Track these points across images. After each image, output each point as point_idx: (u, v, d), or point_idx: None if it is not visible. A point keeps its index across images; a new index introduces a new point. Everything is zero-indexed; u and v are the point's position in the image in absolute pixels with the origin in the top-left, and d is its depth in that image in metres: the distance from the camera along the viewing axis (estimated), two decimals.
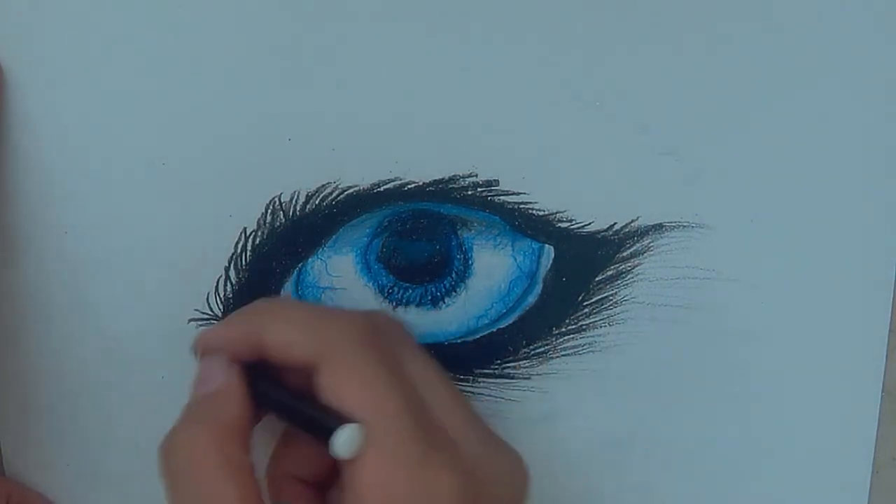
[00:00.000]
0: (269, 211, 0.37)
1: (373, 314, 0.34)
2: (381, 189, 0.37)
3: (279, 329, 0.33)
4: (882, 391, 0.39)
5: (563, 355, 0.39)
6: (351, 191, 0.37)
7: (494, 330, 0.39)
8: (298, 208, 0.37)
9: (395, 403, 0.31)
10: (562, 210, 0.37)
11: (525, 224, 0.38)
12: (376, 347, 0.32)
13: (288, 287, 0.38)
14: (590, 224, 0.37)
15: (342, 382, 0.31)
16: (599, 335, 0.38)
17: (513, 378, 0.39)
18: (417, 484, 0.30)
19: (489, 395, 0.39)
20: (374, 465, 0.30)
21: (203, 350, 0.34)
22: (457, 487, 0.31)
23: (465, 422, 0.33)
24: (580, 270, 0.38)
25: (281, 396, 0.33)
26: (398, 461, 0.30)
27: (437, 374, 0.34)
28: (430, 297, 0.38)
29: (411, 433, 0.31)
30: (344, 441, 0.31)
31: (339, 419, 0.31)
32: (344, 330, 0.32)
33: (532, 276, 0.38)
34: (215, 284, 0.38)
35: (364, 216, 0.37)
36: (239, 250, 0.38)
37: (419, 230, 0.38)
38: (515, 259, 0.38)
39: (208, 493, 0.31)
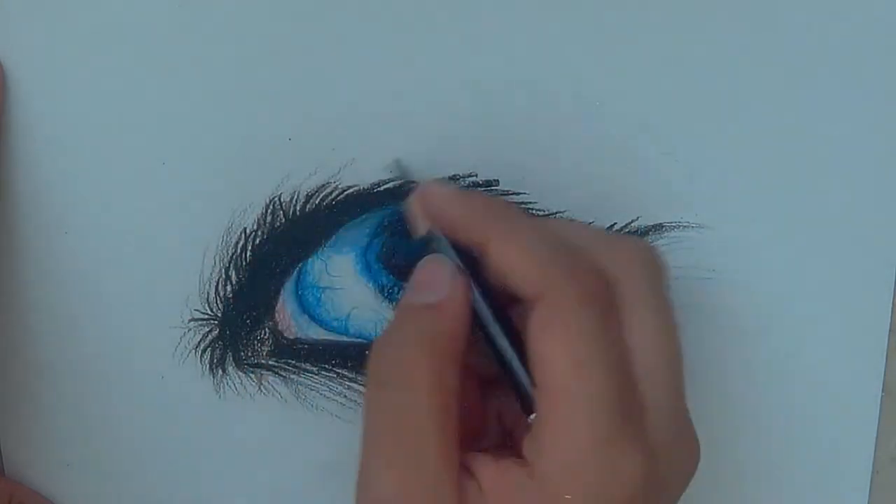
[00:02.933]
0: (269, 211, 0.37)
1: (599, 264, 0.31)
2: (381, 189, 0.37)
3: (509, 248, 0.30)
4: (882, 391, 0.39)
5: None
6: (351, 191, 0.37)
7: None
8: (298, 208, 0.37)
9: (602, 371, 0.29)
10: (562, 210, 0.37)
11: None
12: (601, 307, 0.30)
13: (288, 287, 0.38)
14: (590, 224, 0.37)
15: (556, 332, 0.29)
16: None
17: None
18: (604, 460, 0.29)
19: None
20: (563, 432, 0.29)
21: (425, 210, 0.32)
22: (642, 466, 0.29)
23: (664, 392, 0.30)
24: None
25: (496, 334, 0.31)
26: (588, 434, 0.28)
27: (657, 336, 0.31)
28: None
29: (610, 407, 0.29)
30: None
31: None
32: (577, 274, 0.30)
33: None
34: (215, 284, 0.38)
35: (364, 216, 0.37)
36: (239, 250, 0.38)
37: None
38: None
39: (412, 421, 0.29)
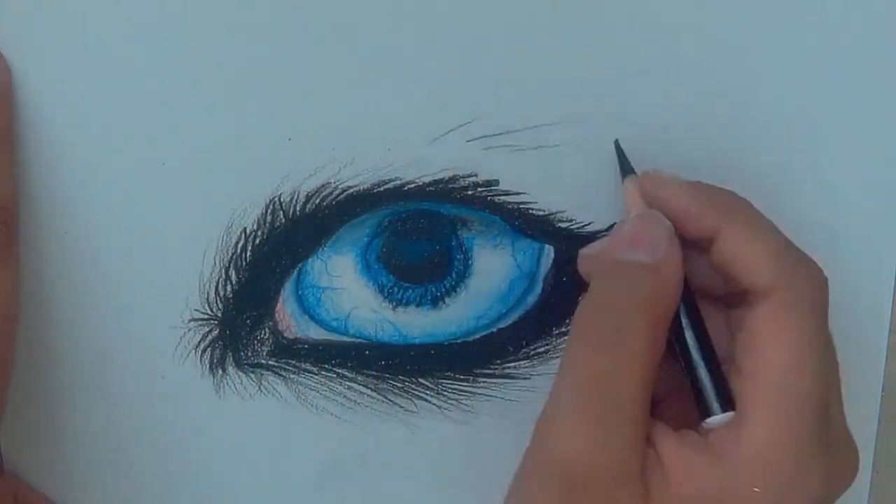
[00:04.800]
0: (269, 211, 0.37)
1: (822, 272, 0.31)
2: (381, 189, 0.37)
3: (744, 235, 0.30)
4: (882, 391, 0.39)
5: (563, 355, 0.39)
6: (351, 191, 0.37)
7: (494, 330, 0.39)
8: (298, 208, 0.37)
9: (818, 374, 0.29)
10: (562, 210, 0.37)
11: (525, 224, 0.38)
12: (825, 309, 0.30)
13: (288, 287, 0.38)
14: (590, 224, 0.37)
15: (781, 328, 0.29)
16: None
17: (513, 378, 0.39)
18: (801, 458, 0.29)
19: (489, 395, 0.39)
20: (770, 423, 0.29)
21: (650, 195, 0.31)
22: (827, 471, 0.29)
23: (841, 408, 0.31)
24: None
25: (688, 322, 0.31)
26: (794, 430, 0.29)
27: (835, 351, 0.31)
28: (430, 297, 0.38)
29: (816, 409, 0.29)
30: (717, 422, 0.30)
31: (725, 399, 0.29)
32: (810, 276, 0.30)
33: (532, 276, 0.38)
34: (215, 284, 0.38)
35: (364, 216, 0.37)
36: (239, 250, 0.38)
37: (419, 230, 0.38)
38: (515, 259, 0.38)
39: (619, 386, 0.29)
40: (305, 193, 0.37)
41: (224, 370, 0.39)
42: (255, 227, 0.37)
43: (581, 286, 0.38)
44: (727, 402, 0.30)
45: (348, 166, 0.37)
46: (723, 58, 0.36)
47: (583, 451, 0.29)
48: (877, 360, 0.39)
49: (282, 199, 0.37)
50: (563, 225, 0.37)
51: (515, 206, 0.37)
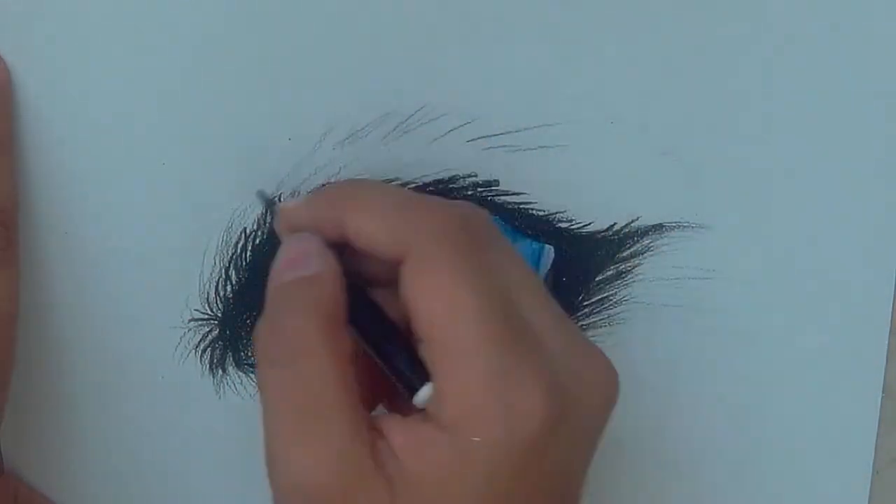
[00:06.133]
0: (270, 211, 0.37)
1: (461, 205, 0.32)
2: None
3: (361, 217, 0.30)
4: (882, 391, 0.39)
5: None
6: None
7: None
8: None
9: (478, 311, 0.28)
10: (562, 210, 0.37)
11: (525, 224, 0.37)
12: (465, 243, 0.30)
13: None
14: (590, 224, 0.37)
15: (423, 283, 0.29)
16: (599, 335, 0.38)
17: None
18: (503, 397, 0.28)
19: None
20: (456, 378, 0.28)
21: (287, 226, 0.32)
22: (544, 397, 0.28)
23: (554, 322, 0.30)
24: (580, 270, 0.38)
25: (367, 315, 0.31)
26: (480, 374, 0.28)
27: (524, 270, 0.31)
28: None
29: (496, 344, 0.28)
30: (423, 397, 0.29)
31: (422, 375, 0.29)
32: (431, 222, 0.30)
33: None
34: (215, 284, 0.38)
35: None
36: (239, 250, 0.38)
37: None
38: None
39: (312, 392, 0.29)
40: (305, 193, 0.37)
41: (224, 370, 0.39)
42: (255, 227, 0.37)
43: (581, 285, 0.38)
44: (424, 376, 0.29)
45: (348, 166, 0.37)
46: (722, 58, 0.36)
47: (307, 469, 0.29)
48: (877, 361, 0.39)
49: (282, 200, 0.37)
50: (563, 225, 0.37)
51: (515, 206, 0.37)
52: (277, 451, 0.29)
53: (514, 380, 0.28)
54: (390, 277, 0.30)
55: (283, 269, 0.31)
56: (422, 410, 0.29)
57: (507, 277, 0.30)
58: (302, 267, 0.31)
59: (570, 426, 0.29)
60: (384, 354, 0.31)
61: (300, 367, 0.29)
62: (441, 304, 0.29)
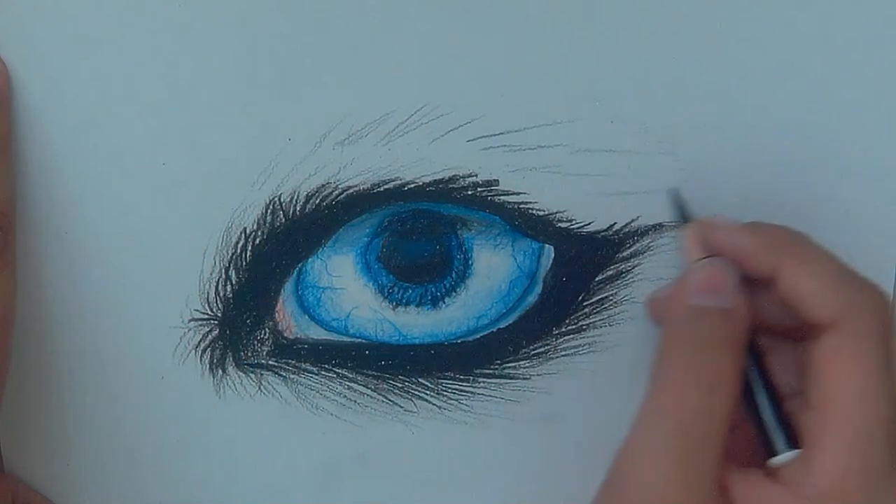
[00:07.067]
0: (269, 211, 0.37)
1: (885, 292, 0.32)
2: (381, 189, 0.37)
3: (803, 270, 0.31)
4: None
5: (563, 355, 0.39)
6: (351, 191, 0.37)
7: (494, 330, 0.39)
8: (298, 208, 0.37)
9: (886, 401, 0.29)
10: (562, 210, 0.37)
11: (525, 224, 0.38)
12: (887, 331, 0.31)
13: (288, 287, 0.38)
14: (590, 224, 0.37)
15: (845, 359, 0.30)
16: (599, 335, 0.38)
17: (513, 378, 0.39)
18: (874, 489, 0.29)
19: (489, 395, 0.39)
20: (841, 455, 0.29)
21: (710, 240, 0.33)
22: None
23: None
24: (580, 270, 0.38)
25: (750, 363, 0.32)
26: (866, 461, 0.29)
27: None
28: (430, 297, 0.38)
29: (886, 436, 0.29)
30: (784, 460, 0.30)
31: (790, 436, 0.30)
32: (870, 302, 0.31)
33: (532, 276, 0.38)
34: (215, 284, 0.38)
35: (364, 216, 0.37)
36: (239, 250, 0.38)
37: (419, 230, 0.38)
38: (515, 259, 0.38)
39: (706, 423, 0.30)
40: (305, 193, 0.37)
41: (224, 370, 0.39)
42: (255, 227, 0.37)
43: (581, 285, 0.38)
44: (792, 440, 0.31)
45: (348, 166, 0.37)
46: (723, 59, 0.36)
47: (667, 489, 0.29)
48: None
49: (282, 199, 0.37)
50: (563, 225, 0.37)
51: (515, 206, 0.37)
52: (648, 464, 0.30)
53: (886, 479, 0.29)
54: (777, 327, 0.31)
55: (703, 293, 0.32)
56: (760, 468, 0.30)
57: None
58: (721, 296, 0.31)
59: None
60: (755, 405, 0.31)
61: (712, 399, 0.30)
62: (859, 385, 0.29)
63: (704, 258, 0.33)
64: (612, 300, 0.38)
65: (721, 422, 0.30)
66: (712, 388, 0.30)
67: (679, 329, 0.32)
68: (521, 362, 0.39)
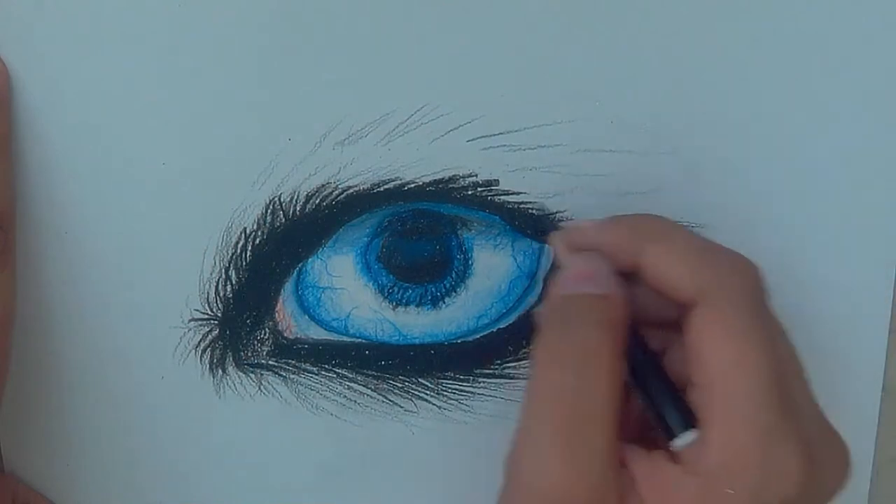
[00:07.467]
0: (269, 211, 0.37)
1: (752, 260, 0.32)
2: (381, 189, 0.37)
3: (664, 252, 0.31)
4: (882, 391, 0.39)
5: None
6: (351, 191, 0.37)
7: (494, 330, 0.39)
8: (298, 208, 0.37)
9: (762, 366, 0.29)
10: (562, 210, 0.37)
11: (525, 224, 0.38)
12: (758, 300, 0.31)
13: (288, 287, 0.38)
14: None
15: (714, 332, 0.30)
16: None
17: (513, 378, 0.39)
18: (767, 454, 0.29)
19: (489, 395, 0.39)
20: (726, 427, 0.29)
21: (570, 244, 0.33)
22: (801, 463, 0.29)
23: (808, 395, 0.31)
24: None
25: (637, 353, 0.32)
26: (752, 427, 0.29)
27: (786, 335, 0.32)
28: (430, 297, 0.38)
29: (771, 401, 0.29)
30: (683, 441, 0.30)
31: (686, 418, 0.30)
32: (733, 273, 0.31)
33: (532, 276, 0.38)
34: (215, 284, 0.38)
35: (364, 216, 0.37)
36: (239, 250, 0.38)
37: (419, 230, 0.38)
38: (515, 259, 0.38)
39: (589, 406, 0.29)
40: (305, 193, 0.37)
41: (224, 370, 0.39)
42: (255, 227, 0.37)
43: None
44: (688, 421, 0.30)
45: (348, 166, 0.37)
46: (722, 58, 0.36)
47: (559, 480, 0.29)
48: (877, 360, 0.39)
49: (282, 199, 0.37)
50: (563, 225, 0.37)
51: (515, 206, 0.37)
52: (534, 453, 0.30)
53: (778, 440, 0.29)
54: (661, 317, 0.31)
55: (573, 282, 0.32)
56: (666, 450, 0.30)
57: (780, 339, 0.31)
58: (593, 284, 0.31)
59: (809, 498, 0.30)
60: (649, 393, 0.31)
61: (587, 375, 0.30)
62: (731, 354, 0.29)
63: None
64: None
65: (602, 399, 0.29)
66: (586, 364, 0.30)
67: (552, 313, 0.32)
68: (521, 362, 0.39)
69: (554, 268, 0.35)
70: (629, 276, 0.32)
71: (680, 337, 0.31)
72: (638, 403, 0.32)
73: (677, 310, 0.31)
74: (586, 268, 0.32)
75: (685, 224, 0.38)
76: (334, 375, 0.39)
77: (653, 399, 0.31)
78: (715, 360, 0.29)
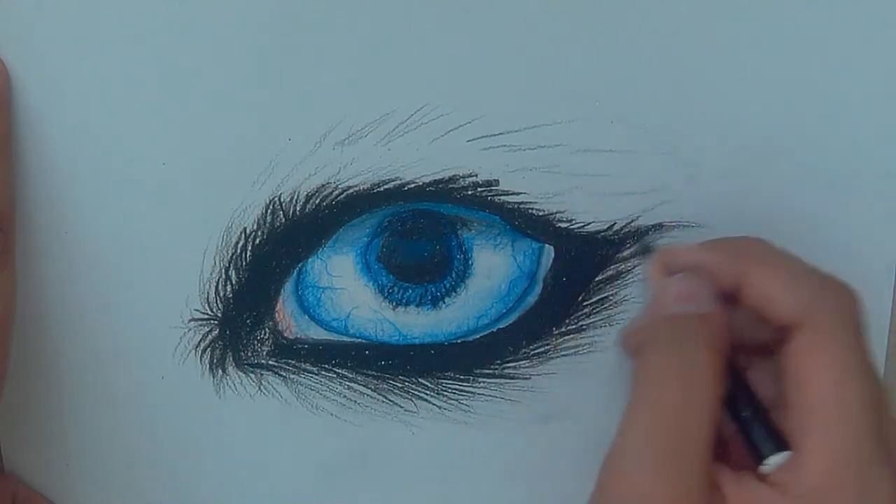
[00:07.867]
0: (269, 211, 0.37)
1: (852, 287, 0.32)
2: (381, 189, 0.37)
3: (768, 275, 0.31)
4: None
5: (563, 355, 0.39)
6: (351, 191, 0.37)
7: (494, 330, 0.39)
8: (298, 208, 0.37)
9: (865, 395, 0.30)
10: (562, 210, 0.37)
11: (525, 224, 0.38)
12: (859, 327, 0.31)
13: (288, 287, 0.38)
14: (590, 224, 0.37)
15: (817, 357, 0.30)
16: (599, 335, 0.38)
17: (513, 378, 0.39)
18: (864, 483, 0.29)
19: (489, 395, 0.39)
20: (826, 452, 0.29)
21: (664, 268, 0.33)
22: (894, 492, 0.29)
23: (894, 429, 0.31)
24: (580, 270, 0.38)
25: (736, 382, 0.32)
26: (851, 455, 0.29)
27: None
28: (430, 297, 0.38)
29: (870, 431, 0.29)
30: (773, 464, 0.30)
31: (776, 440, 0.30)
32: (837, 299, 0.31)
33: (532, 276, 0.38)
34: (215, 284, 0.38)
35: (364, 216, 0.37)
36: (239, 250, 0.38)
37: (419, 230, 0.38)
38: (515, 259, 0.38)
39: (691, 422, 0.30)
40: (305, 193, 0.37)
41: (224, 370, 0.39)
42: (255, 227, 0.37)
43: (581, 285, 0.38)
44: (779, 444, 0.31)
45: (348, 166, 0.37)
46: (723, 57, 0.36)
47: (652, 487, 0.29)
48: (877, 360, 0.39)
49: (282, 199, 0.37)
50: (563, 225, 0.38)
51: (515, 206, 0.37)
52: (635, 469, 0.30)
53: (875, 470, 0.29)
54: (751, 339, 0.32)
55: (676, 302, 0.32)
56: (752, 470, 0.30)
57: (874, 368, 0.31)
58: (696, 304, 0.32)
59: None
60: (739, 413, 0.32)
61: (693, 395, 0.30)
62: (834, 380, 0.30)
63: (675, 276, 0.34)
64: (612, 300, 0.38)
65: (703, 420, 0.30)
66: (691, 385, 0.30)
67: (657, 333, 0.32)
68: (521, 362, 0.39)
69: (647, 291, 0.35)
70: (725, 300, 0.33)
71: (763, 359, 0.32)
72: (724, 423, 0.32)
73: (771, 332, 0.31)
74: (689, 288, 0.32)
75: (683, 224, 0.38)
76: (334, 375, 0.39)
77: (743, 420, 0.31)
78: (817, 385, 0.30)
